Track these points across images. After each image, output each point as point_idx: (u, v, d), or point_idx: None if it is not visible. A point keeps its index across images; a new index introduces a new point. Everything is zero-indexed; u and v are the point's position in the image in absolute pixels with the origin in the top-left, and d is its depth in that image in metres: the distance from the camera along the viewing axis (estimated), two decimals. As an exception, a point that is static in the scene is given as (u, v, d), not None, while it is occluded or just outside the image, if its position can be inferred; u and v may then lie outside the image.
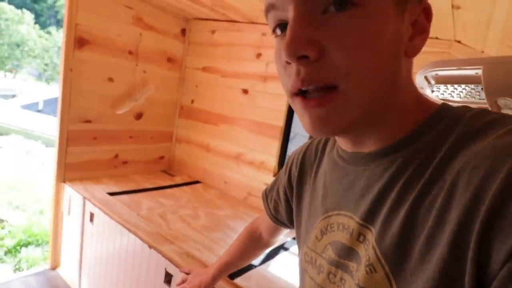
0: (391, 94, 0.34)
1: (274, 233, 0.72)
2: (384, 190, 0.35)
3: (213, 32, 1.90)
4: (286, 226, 0.66)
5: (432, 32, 1.19)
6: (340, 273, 0.39)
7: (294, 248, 0.78)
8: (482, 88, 0.43)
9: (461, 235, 0.26)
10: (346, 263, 0.38)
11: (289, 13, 0.31)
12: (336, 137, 0.44)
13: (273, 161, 1.67)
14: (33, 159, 5.26)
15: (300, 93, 0.33)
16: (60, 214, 1.65)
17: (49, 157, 5.36)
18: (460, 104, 0.45)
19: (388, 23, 0.31)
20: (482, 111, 0.33)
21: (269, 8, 0.34)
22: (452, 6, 0.90)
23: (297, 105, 0.34)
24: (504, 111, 0.46)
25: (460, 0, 0.86)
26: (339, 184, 0.43)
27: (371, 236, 0.35)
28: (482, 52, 1.14)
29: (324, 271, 0.42)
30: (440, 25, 1.10)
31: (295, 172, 0.55)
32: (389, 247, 0.32)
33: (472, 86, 0.46)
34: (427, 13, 0.34)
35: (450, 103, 0.38)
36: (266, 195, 0.68)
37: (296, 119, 1.67)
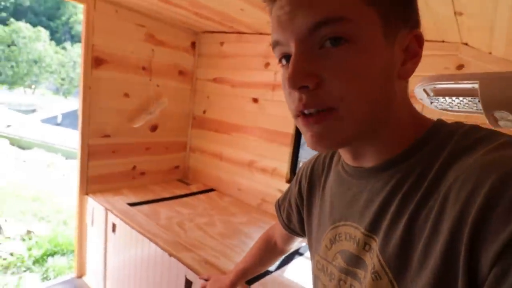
0: (385, 114, 0.38)
1: (288, 241, 0.75)
2: (385, 203, 0.38)
3: (221, 44, 1.96)
4: (298, 235, 0.69)
5: (438, 36, 1.21)
6: (350, 280, 0.42)
7: (309, 253, 0.81)
8: (479, 101, 0.45)
9: (453, 245, 0.29)
10: (354, 271, 0.41)
11: (291, 49, 0.36)
12: (341, 153, 0.48)
13: (285, 168, 1.70)
14: (54, 171, 5.46)
15: (302, 114, 0.37)
16: (84, 225, 1.73)
17: (69, 169, 5.55)
18: (459, 114, 0.48)
19: (378, 54, 0.35)
20: (473, 128, 0.36)
21: (275, 44, 0.39)
22: (455, 13, 0.92)
23: (300, 124, 0.39)
24: (501, 123, 0.48)
25: (461, 7, 0.88)
26: (344, 196, 0.46)
27: (375, 245, 0.38)
28: (490, 53, 1.15)
29: (335, 278, 0.45)
30: (446, 28, 1.11)
31: (304, 184, 0.59)
32: (392, 256, 0.35)
33: (470, 98, 0.48)
34: (419, 39, 0.38)
35: (447, 115, 0.41)
36: (279, 205, 0.71)
37: (306, 125, 1.70)
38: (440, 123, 0.39)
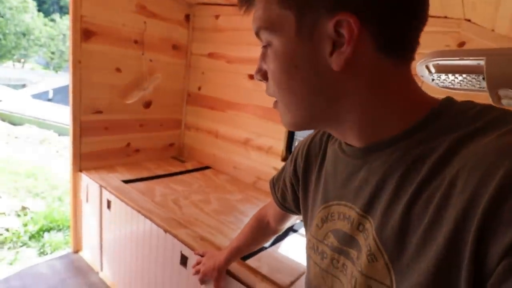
0: (330, 103, 0.38)
1: (281, 220, 0.75)
2: (382, 183, 0.37)
3: (217, 17, 1.89)
4: (293, 212, 0.69)
5: (441, 11, 1.17)
6: (343, 259, 0.42)
7: (303, 230, 0.82)
8: (483, 78, 0.43)
9: (458, 234, 0.27)
10: (347, 250, 0.41)
11: None
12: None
13: (281, 146, 1.69)
14: (47, 147, 5.40)
15: None
16: (79, 202, 1.73)
17: (63, 145, 5.49)
18: (460, 92, 0.45)
19: (290, 53, 0.38)
20: (486, 108, 0.33)
21: None
22: (460, -14, 0.88)
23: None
24: (504, 101, 0.47)
25: (468, -20, 0.84)
26: (339, 175, 0.45)
27: (370, 226, 0.37)
28: (493, 30, 1.12)
29: (327, 257, 0.45)
30: (448, 3, 1.07)
31: (300, 163, 0.58)
32: (389, 238, 0.34)
33: (473, 75, 0.46)
34: (347, 23, 0.33)
35: (448, 94, 0.39)
36: (274, 183, 0.70)
37: (303, 103, 1.68)
38: (448, 101, 0.36)
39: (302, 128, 0.43)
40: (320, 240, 0.47)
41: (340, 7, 0.33)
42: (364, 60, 0.35)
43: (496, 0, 0.87)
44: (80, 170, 1.67)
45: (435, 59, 0.48)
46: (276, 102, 0.43)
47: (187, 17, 2.00)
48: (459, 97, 0.38)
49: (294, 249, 1.20)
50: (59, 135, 6.30)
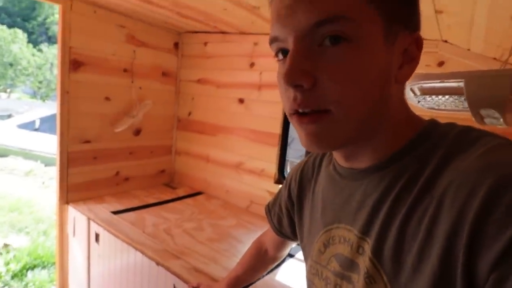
0: (380, 117, 0.37)
1: (280, 247, 0.73)
2: (377, 204, 0.38)
3: (205, 44, 1.93)
4: (290, 239, 0.68)
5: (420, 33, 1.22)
6: (345, 284, 0.41)
7: (300, 255, 0.80)
8: (465, 99, 0.45)
9: (450, 250, 0.28)
10: (349, 275, 0.40)
11: (289, 45, 0.35)
12: (334, 155, 0.47)
13: (273, 168, 1.69)
14: (33, 179, 5.25)
15: (296, 112, 0.36)
16: (65, 236, 1.66)
17: (49, 176, 5.35)
18: (446, 112, 0.47)
19: (377, 56, 0.34)
20: (466, 129, 0.36)
21: (273, 40, 0.38)
22: (436, 11, 0.93)
23: (294, 122, 0.38)
24: (487, 120, 0.49)
25: (442, 5, 0.89)
26: (336, 198, 0.45)
27: (368, 248, 0.37)
28: (469, 50, 1.17)
29: (331, 283, 0.43)
30: (425, 27, 1.12)
31: (294, 188, 0.57)
32: (386, 259, 0.34)
33: (456, 96, 0.48)
34: (418, 43, 0.37)
35: (434, 114, 0.40)
36: (269, 209, 0.69)
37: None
38: (433, 123, 0.39)
39: (340, 145, 0.38)
40: (324, 265, 0.45)
41: (417, 27, 0.37)
42: None
43: (469, 22, 0.92)
44: (67, 202, 1.62)
45: (419, 82, 0.50)
46: (317, 115, 0.35)
47: (176, 44, 2.04)
48: (446, 117, 0.41)
49: (292, 275, 1.16)
50: (45, 165, 6.15)
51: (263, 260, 0.79)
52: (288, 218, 0.62)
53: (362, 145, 0.39)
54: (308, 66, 0.34)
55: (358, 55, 0.33)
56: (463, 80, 0.44)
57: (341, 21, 0.32)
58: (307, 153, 1.68)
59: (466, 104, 0.46)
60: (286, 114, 0.39)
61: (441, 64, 1.24)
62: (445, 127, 0.37)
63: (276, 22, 0.36)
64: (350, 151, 0.41)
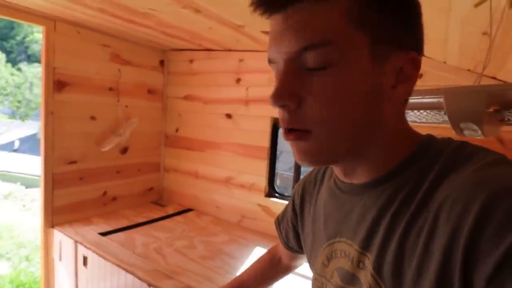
0: (371, 136, 0.38)
1: (293, 257, 0.71)
2: (377, 219, 0.38)
3: (191, 61, 1.95)
4: (297, 252, 0.67)
5: (398, 48, 1.28)
6: None
7: (297, 270, 0.79)
8: (444, 113, 0.48)
9: (446, 265, 0.29)
10: None
11: (280, 67, 0.37)
12: (334, 169, 0.47)
13: (263, 182, 1.70)
14: (13, 202, 5.04)
15: (286, 129, 0.38)
16: (51, 261, 1.60)
17: (30, 198, 5.16)
18: (427, 125, 0.49)
19: (361, 79, 0.35)
20: (462, 145, 0.37)
21: (269, 61, 0.40)
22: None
23: (284, 139, 0.40)
24: (466, 132, 0.52)
25: (418, 23, 0.94)
26: (337, 212, 0.46)
27: (369, 263, 0.38)
28: (445, 62, 1.24)
29: None
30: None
31: (297, 202, 0.59)
32: (387, 274, 0.35)
33: (436, 111, 0.51)
34: (414, 62, 0.36)
35: (416, 127, 0.42)
36: (279, 223, 0.69)
37: (280, 138, 1.72)
38: (429, 139, 0.39)
39: (329, 162, 0.40)
40: (328, 279, 0.46)
41: (412, 47, 0.36)
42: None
43: (444, 38, 0.98)
44: (52, 226, 1.57)
45: (401, 97, 0.53)
46: (299, 133, 0.37)
47: (162, 62, 2.05)
48: (428, 130, 0.42)
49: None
50: (26, 187, 5.93)
51: (275, 268, 0.75)
52: (293, 231, 0.63)
53: (357, 161, 0.40)
54: (294, 88, 0.36)
55: (341, 78, 0.34)
56: (442, 96, 0.47)
57: (326, 46, 0.33)
58: (296, 165, 1.70)
59: (446, 118, 0.49)
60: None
61: (420, 76, 1.30)
62: (441, 143, 0.38)
63: (271, 45, 0.38)
64: (346, 167, 0.42)
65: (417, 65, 0.37)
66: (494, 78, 1.12)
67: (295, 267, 0.75)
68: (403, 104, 0.40)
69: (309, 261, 0.55)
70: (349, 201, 0.43)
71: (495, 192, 0.28)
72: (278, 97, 0.36)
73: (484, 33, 0.83)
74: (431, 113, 0.54)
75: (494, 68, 1.05)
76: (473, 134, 0.51)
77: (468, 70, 1.16)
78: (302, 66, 0.35)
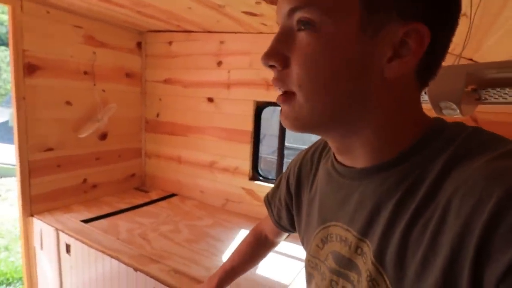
0: (357, 111, 0.36)
1: (279, 234, 0.74)
2: (378, 207, 0.37)
3: (170, 43, 1.89)
4: (289, 231, 0.68)
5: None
6: (342, 281, 0.42)
7: (278, 247, 0.82)
8: (425, 93, 0.49)
9: (455, 260, 0.28)
10: (346, 273, 0.41)
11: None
12: (330, 145, 0.46)
13: (247, 165, 1.70)
14: (-13, 192, 4.84)
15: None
16: (32, 250, 1.57)
17: (5, 188, 4.97)
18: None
19: (346, 45, 0.33)
20: (476, 131, 0.34)
21: (278, 24, 0.40)
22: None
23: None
24: (445, 111, 0.53)
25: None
26: (334, 196, 0.45)
27: (368, 250, 0.37)
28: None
29: (326, 279, 0.44)
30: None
31: (292, 182, 0.58)
32: (389, 264, 0.34)
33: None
34: (419, 35, 0.32)
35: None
36: (269, 201, 0.69)
37: (263, 121, 1.72)
38: (440, 124, 0.37)
39: (310, 129, 0.38)
40: (322, 260, 0.46)
41: (416, 16, 0.32)
42: (404, 76, 0.35)
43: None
44: (32, 215, 1.52)
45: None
46: (286, 93, 0.37)
47: (139, 44, 1.97)
48: None
49: (273, 268, 1.19)
50: (0, 177, 5.69)
51: (263, 245, 0.78)
52: (286, 211, 0.63)
53: (348, 138, 0.39)
54: (282, 49, 0.36)
55: (321, 42, 0.34)
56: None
57: (313, 7, 0.33)
58: (280, 148, 1.72)
59: (425, 97, 0.51)
60: None
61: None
62: (453, 128, 0.36)
63: (276, 8, 0.39)
64: (338, 144, 0.41)
65: (422, 39, 0.32)
66: (471, 59, 1.16)
67: (279, 242, 0.78)
68: (413, 86, 0.36)
69: (302, 242, 0.55)
70: (346, 185, 0.42)
71: (511, 188, 0.26)
72: (266, 57, 0.37)
73: (463, 15, 0.84)
74: None
75: (470, 50, 1.08)
76: (452, 113, 0.53)
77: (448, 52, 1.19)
78: (293, 28, 0.36)
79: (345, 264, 0.41)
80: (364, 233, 0.38)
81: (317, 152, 0.54)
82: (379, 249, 0.35)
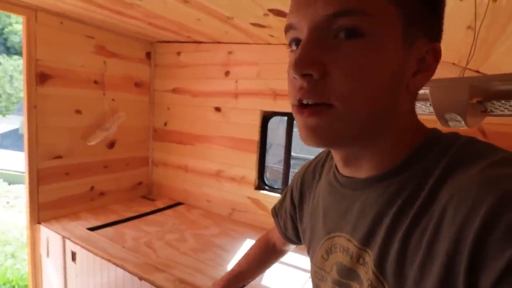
0: (385, 123, 0.36)
1: (286, 243, 0.73)
2: (379, 216, 0.37)
3: (178, 53, 1.92)
4: (295, 243, 0.69)
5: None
6: None
7: (284, 258, 0.81)
8: (430, 104, 0.50)
9: (451, 267, 0.28)
10: (348, 283, 0.41)
11: (303, 34, 0.34)
12: (335, 160, 0.46)
13: (253, 175, 1.70)
14: (-4, 199, 4.90)
15: (299, 103, 0.35)
16: (38, 257, 1.57)
17: (14, 195, 5.03)
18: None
19: (392, 57, 0.33)
20: (469, 141, 0.35)
21: (288, 27, 0.37)
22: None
23: (295, 112, 0.37)
24: (451, 123, 0.53)
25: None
26: (336, 207, 0.45)
27: (369, 259, 0.37)
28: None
29: None
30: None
31: (296, 194, 0.59)
32: (389, 273, 0.34)
33: (422, 102, 0.53)
34: (436, 53, 0.35)
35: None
36: (276, 213, 0.69)
37: (270, 131, 1.73)
38: (436, 133, 0.38)
39: (341, 143, 0.37)
40: (328, 272, 0.46)
41: (436, 37, 0.35)
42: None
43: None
44: (39, 222, 1.54)
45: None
46: (318, 106, 0.34)
47: (148, 54, 2.01)
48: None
49: (277, 278, 1.18)
50: (9, 184, 5.77)
51: (271, 252, 0.77)
52: (292, 222, 0.63)
53: (362, 149, 0.38)
54: (319, 56, 0.33)
55: (373, 52, 0.32)
56: (428, 88, 0.48)
57: (360, 15, 0.31)
58: (286, 158, 1.71)
59: (432, 109, 0.51)
60: (290, 104, 0.38)
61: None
62: (449, 138, 0.36)
63: (295, 10, 0.35)
64: (350, 156, 0.41)
65: (438, 57, 0.35)
66: (477, 71, 1.15)
67: (288, 251, 0.78)
68: (415, 95, 0.39)
69: (308, 253, 0.55)
70: (349, 196, 0.42)
71: (504, 194, 0.26)
72: (301, 64, 0.33)
73: (469, 27, 0.84)
74: (418, 104, 0.55)
75: (477, 61, 1.08)
76: (457, 125, 0.53)
77: (453, 63, 1.19)
78: (329, 34, 0.33)
79: (347, 275, 0.41)
80: (366, 242, 0.38)
81: (319, 164, 0.55)
82: (380, 257, 0.36)
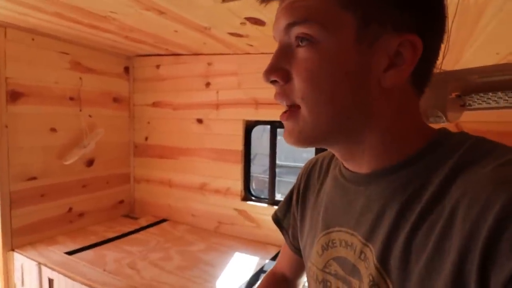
0: (360, 120, 0.37)
1: (298, 269, 0.65)
2: (383, 210, 0.37)
3: (157, 66, 1.90)
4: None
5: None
6: None
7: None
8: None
9: (463, 265, 0.28)
10: (349, 279, 0.40)
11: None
12: (338, 157, 0.46)
13: (238, 186, 1.67)
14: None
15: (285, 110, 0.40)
16: (12, 286, 1.46)
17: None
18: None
19: (346, 58, 0.35)
20: (480, 140, 0.35)
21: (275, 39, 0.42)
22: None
23: (280, 118, 0.41)
24: (431, 119, 0.53)
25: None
26: (339, 201, 0.45)
27: (371, 255, 0.37)
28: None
29: (331, 286, 0.43)
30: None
31: (302, 189, 0.57)
32: (393, 268, 0.34)
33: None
34: (414, 45, 0.34)
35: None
36: (280, 220, 0.63)
37: (254, 141, 1.71)
38: (444, 132, 0.38)
39: (315, 142, 0.39)
40: (320, 268, 0.45)
41: (409, 28, 0.34)
42: (401, 84, 0.36)
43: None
44: (12, 249, 1.44)
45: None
46: (291, 108, 0.38)
47: (127, 69, 1.97)
48: None
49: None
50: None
51: (283, 283, 0.66)
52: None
53: (352, 147, 0.39)
54: (283, 64, 0.38)
55: (320, 56, 0.35)
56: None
57: (307, 23, 0.35)
58: (272, 167, 1.70)
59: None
60: None
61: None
62: (458, 137, 0.37)
63: (273, 24, 0.40)
64: (342, 152, 0.42)
65: (416, 50, 0.34)
66: (451, 71, 1.19)
67: (301, 283, 0.68)
68: (411, 93, 0.38)
69: (304, 252, 0.52)
70: (353, 190, 0.42)
71: None
72: (267, 73, 0.38)
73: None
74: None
75: (450, 62, 1.11)
76: (438, 120, 0.53)
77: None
78: (292, 44, 0.38)
79: (350, 270, 0.40)
80: (368, 237, 0.38)
81: (327, 159, 0.54)
82: (383, 252, 0.35)
